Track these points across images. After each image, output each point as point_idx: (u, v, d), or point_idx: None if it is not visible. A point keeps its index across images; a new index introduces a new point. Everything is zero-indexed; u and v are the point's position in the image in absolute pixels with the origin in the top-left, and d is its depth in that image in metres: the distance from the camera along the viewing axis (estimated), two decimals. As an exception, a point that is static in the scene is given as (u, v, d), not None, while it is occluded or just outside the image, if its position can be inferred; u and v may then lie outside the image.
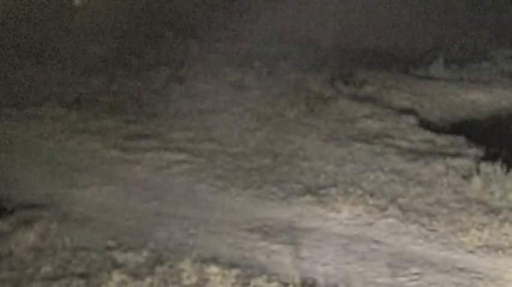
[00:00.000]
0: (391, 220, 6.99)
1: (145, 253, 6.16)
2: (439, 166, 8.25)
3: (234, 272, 5.89)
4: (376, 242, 6.61)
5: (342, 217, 7.10)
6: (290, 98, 11.24)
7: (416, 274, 6.07)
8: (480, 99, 11.78)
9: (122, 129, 9.57)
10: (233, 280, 5.80)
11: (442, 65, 13.71)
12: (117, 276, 5.78)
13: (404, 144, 9.17)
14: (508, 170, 7.90)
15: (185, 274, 5.86)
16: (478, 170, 7.99)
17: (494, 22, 16.96)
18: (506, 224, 6.82)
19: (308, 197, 7.44)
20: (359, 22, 16.51)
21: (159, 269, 5.93)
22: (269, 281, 5.81)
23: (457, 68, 13.77)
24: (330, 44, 14.83)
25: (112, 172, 8.03)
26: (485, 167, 8.00)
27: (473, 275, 6.07)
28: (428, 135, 9.64)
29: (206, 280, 5.79)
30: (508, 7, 17.61)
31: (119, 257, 6.11)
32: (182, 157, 8.44)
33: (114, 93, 11.65)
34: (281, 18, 15.22)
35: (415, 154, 8.70)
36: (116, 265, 5.99)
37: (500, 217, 6.97)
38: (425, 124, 10.32)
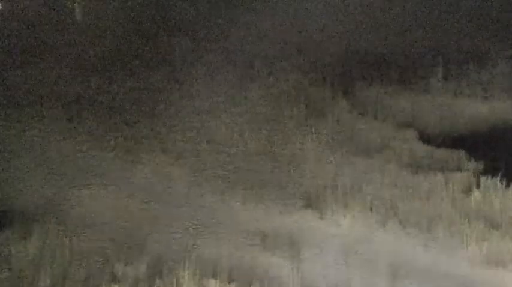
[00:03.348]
0: (391, 233, 6.98)
1: (144, 265, 6.15)
2: (438, 179, 8.24)
3: (233, 286, 5.89)
4: (376, 254, 6.60)
5: (341, 229, 7.09)
6: (289, 110, 11.26)
7: None
8: (480, 112, 11.78)
9: (121, 130, 9.52)
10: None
11: (441, 77, 13.73)
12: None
13: (404, 157, 9.17)
14: (507, 184, 7.90)
15: (184, 287, 5.85)
16: (477, 184, 7.99)
17: (495, 28, 16.93)
18: (507, 238, 6.81)
19: (308, 210, 7.44)
20: (357, 29, 16.47)
21: (158, 282, 5.92)
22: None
23: (456, 81, 13.79)
24: (329, 54, 14.79)
25: (111, 173, 8.00)
26: (485, 180, 7.99)
27: (474, 288, 6.06)
28: (427, 148, 9.65)
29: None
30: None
31: (118, 269, 6.10)
32: (181, 158, 8.41)
33: (113, 94, 11.58)
34: (278, 21, 15.19)
35: (415, 167, 8.70)
36: (115, 278, 5.97)
37: (500, 230, 6.97)
38: (425, 137, 10.32)
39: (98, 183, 7.60)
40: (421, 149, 9.60)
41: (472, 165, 8.83)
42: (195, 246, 6.64)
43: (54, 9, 14.70)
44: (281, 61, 13.53)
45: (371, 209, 7.45)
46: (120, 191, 7.49)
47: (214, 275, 6.03)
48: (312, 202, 7.62)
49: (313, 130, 9.68)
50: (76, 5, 14.37)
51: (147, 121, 10.02)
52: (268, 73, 13.14)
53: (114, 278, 6.01)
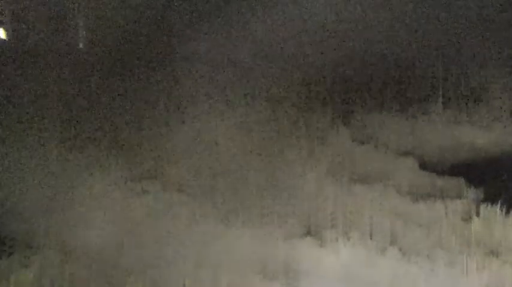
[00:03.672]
0: (391, 261, 6.97)
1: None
2: (438, 208, 8.25)
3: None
4: (376, 283, 6.59)
5: (341, 257, 7.09)
6: (289, 139, 11.30)
7: (416, 316, 6.04)
8: (479, 140, 11.81)
9: (121, 167, 9.58)
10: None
11: (441, 106, 13.78)
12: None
13: (404, 185, 9.18)
14: (508, 212, 7.89)
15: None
16: (477, 212, 7.99)
17: (495, 59, 17.01)
18: (507, 266, 6.80)
19: (308, 238, 7.44)
20: (356, 54, 16.51)
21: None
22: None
23: (456, 109, 13.84)
24: (328, 79, 14.83)
25: (112, 210, 8.02)
26: (485, 209, 8.00)
27: (474, 317, 6.04)
28: (427, 176, 9.66)
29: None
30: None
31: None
32: (182, 194, 8.44)
33: (114, 130, 11.65)
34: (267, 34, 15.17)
35: (415, 195, 8.70)
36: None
37: (501, 258, 6.96)
38: (425, 166, 10.34)
39: (99, 213, 7.62)
40: (421, 177, 9.62)
41: (472, 193, 8.84)
42: (195, 273, 6.64)
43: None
44: (280, 91, 13.60)
45: (371, 237, 7.45)
46: (120, 230, 7.50)
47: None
48: (311, 230, 7.63)
49: (313, 159, 9.70)
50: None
51: (147, 157, 10.08)
52: (268, 107, 13.20)
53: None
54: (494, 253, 7.10)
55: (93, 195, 8.59)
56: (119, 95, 12.98)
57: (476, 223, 7.73)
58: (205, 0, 13.00)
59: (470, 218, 7.89)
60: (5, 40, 12.32)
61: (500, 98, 15.27)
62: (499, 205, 8.00)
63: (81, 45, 14.73)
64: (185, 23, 14.37)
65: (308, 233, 7.60)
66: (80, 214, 7.67)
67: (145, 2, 13.24)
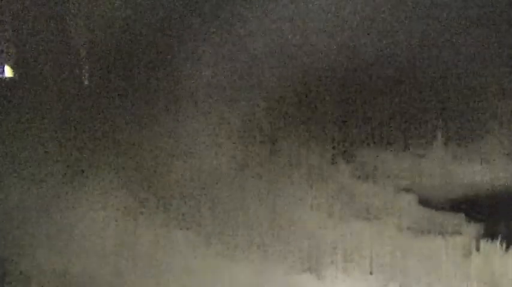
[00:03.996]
0: (391, 297, 6.96)
1: None
2: (439, 243, 8.24)
3: None
4: (376, 319, 6.56)
5: (341, 293, 7.07)
6: (289, 175, 11.32)
7: None
8: (479, 176, 11.82)
9: (123, 203, 9.61)
10: None
11: (442, 143, 13.82)
12: None
13: (404, 221, 9.18)
14: (508, 247, 7.88)
15: None
16: (478, 247, 7.97)
17: (494, 96, 17.10)
18: (507, 302, 6.77)
19: (308, 274, 7.42)
20: (356, 92, 16.59)
21: None
22: None
23: (456, 146, 13.86)
24: (327, 115, 14.87)
25: (111, 246, 8.03)
26: (485, 244, 7.98)
27: None
28: (427, 212, 9.66)
29: None
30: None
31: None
32: (183, 230, 8.45)
33: (118, 167, 11.71)
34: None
35: (415, 231, 8.70)
36: None
37: (501, 294, 6.94)
38: (425, 201, 10.33)
39: (98, 249, 7.61)
40: (421, 212, 9.62)
41: (472, 228, 8.84)
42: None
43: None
44: (279, 126, 13.65)
45: (371, 273, 7.43)
46: (120, 265, 7.49)
47: None
48: (311, 266, 7.61)
49: (312, 197, 9.71)
50: None
51: (149, 193, 10.11)
52: (268, 142, 13.24)
53: None
54: (494, 288, 7.08)
55: (92, 227, 8.61)
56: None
57: (476, 259, 7.71)
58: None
59: (471, 253, 7.87)
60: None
61: (500, 134, 15.32)
62: (499, 241, 7.99)
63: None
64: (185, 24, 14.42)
65: (308, 269, 7.58)
66: (77, 246, 7.66)
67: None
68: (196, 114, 14.19)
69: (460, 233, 8.61)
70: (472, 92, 17.13)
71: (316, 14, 12.95)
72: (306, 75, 15.87)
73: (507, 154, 13.62)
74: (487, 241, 8.06)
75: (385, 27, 14.29)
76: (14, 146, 11.89)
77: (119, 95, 14.42)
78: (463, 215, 9.45)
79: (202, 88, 12.64)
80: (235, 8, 12.90)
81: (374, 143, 13.58)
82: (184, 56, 11.72)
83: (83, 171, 10.37)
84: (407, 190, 10.84)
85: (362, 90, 17.02)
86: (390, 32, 14.38)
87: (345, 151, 13.14)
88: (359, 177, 11.32)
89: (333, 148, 13.09)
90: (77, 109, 13.97)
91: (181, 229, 8.61)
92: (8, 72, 12.56)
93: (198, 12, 13.14)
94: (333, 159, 12.40)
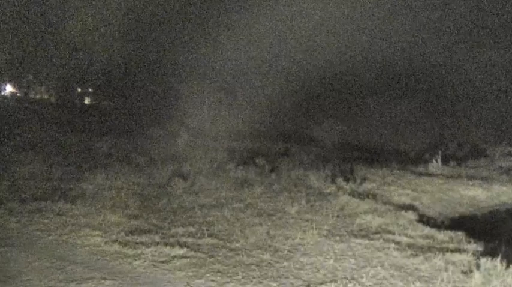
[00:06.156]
0: (391, 316, 6.94)
1: None
2: (439, 261, 8.24)
3: None
4: None
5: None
6: (291, 193, 11.36)
7: None
8: (478, 195, 11.87)
9: (123, 224, 9.66)
10: None
11: (441, 162, 13.90)
12: None
13: (404, 239, 9.20)
14: (508, 265, 7.87)
15: None
16: (478, 266, 7.96)
17: (492, 119, 17.24)
18: (507, 320, 6.76)
19: (307, 293, 7.40)
20: (359, 121, 16.77)
21: None
22: None
23: (455, 165, 13.95)
24: (330, 141, 15.01)
25: (112, 266, 8.03)
26: (485, 262, 7.97)
27: None
28: (427, 230, 9.69)
29: None
30: (507, 105, 17.95)
31: None
32: (182, 251, 8.47)
33: (117, 189, 11.82)
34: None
35: (415, 249, 8.71)
36: None
37: (501, 312, 6.92)
38: (425, 220, 10.37)
39: (98, 277, 7.60)
40: (421, 231, 9.65)
41: (472, 247, 8.86)
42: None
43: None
44: (279, 149, 13.71)
45: (371, 291, 7.43)
46: (120, 286, 7.47)
47: None
48: (311, 285, 7.60)
49: (313, 225, 9.73)
50: None
51: (149, 215, 10.14)
52: (268, 163, 13.29)
53: None
54: (494, 306, 7.06)
55: (93, 248, 8.61)
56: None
57: (476, 277, 7.71)
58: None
59: (471, 271, 7.87)
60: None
61: (500, 153, 15.38)
62: (499, 259, 7.99)
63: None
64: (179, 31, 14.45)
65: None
66: (78, 278, 7.65)
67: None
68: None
69: (460, 252, 8.63)
70: (476, 109, 17.21)
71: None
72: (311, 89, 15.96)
73: (506, 173, 13.68)
74: (487, 259, 8.06)
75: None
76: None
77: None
78: (463, 233, 9.48)
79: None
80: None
81: (373, 162, 13.66)
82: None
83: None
84: (407, 207, 10.88)
85: (361, 111, 17.09)
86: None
87: (344, 171, 13.21)
88: (359, 195, 11.36)
89: (333, 167, 13.17)
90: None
91: (179, 248, 8.63)
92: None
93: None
94: (332, 178, 12.47)
